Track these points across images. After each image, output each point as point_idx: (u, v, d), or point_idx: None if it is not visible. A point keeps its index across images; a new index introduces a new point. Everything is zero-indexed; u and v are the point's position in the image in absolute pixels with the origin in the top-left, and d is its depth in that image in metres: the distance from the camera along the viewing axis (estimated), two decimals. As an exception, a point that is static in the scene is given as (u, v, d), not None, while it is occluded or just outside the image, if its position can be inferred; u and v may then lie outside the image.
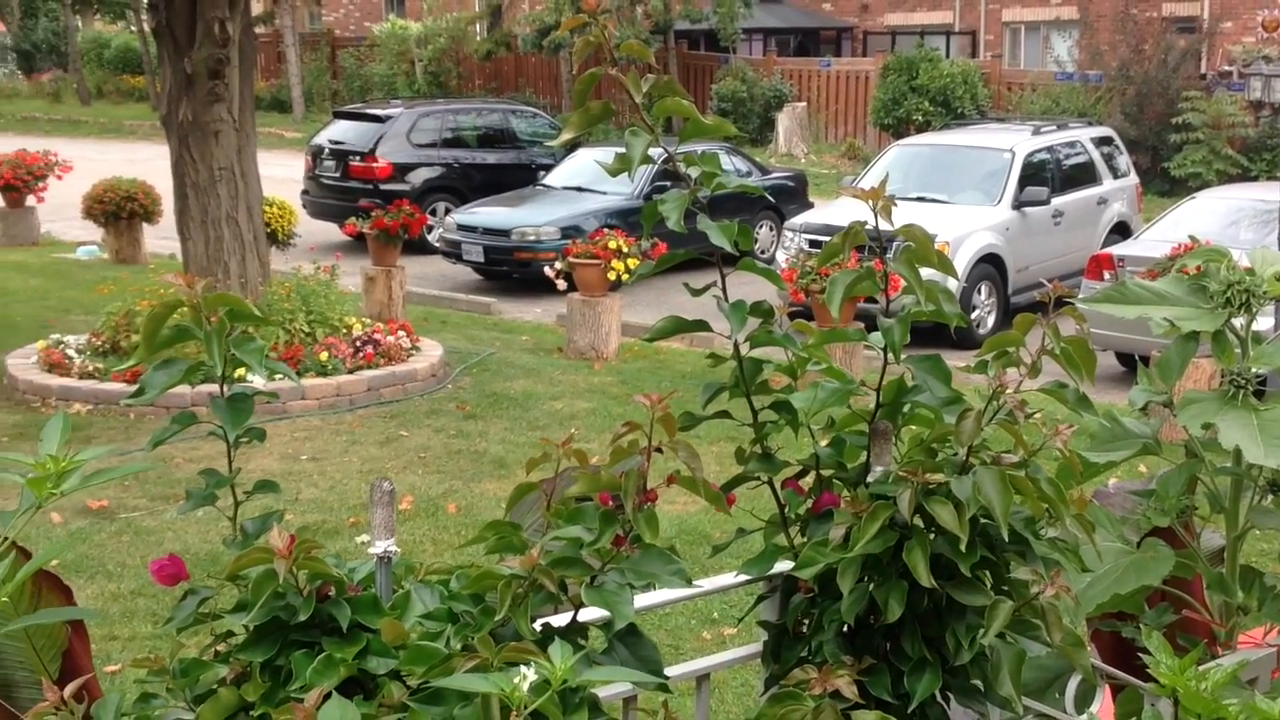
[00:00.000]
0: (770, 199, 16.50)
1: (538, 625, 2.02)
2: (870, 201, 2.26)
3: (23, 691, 2.14)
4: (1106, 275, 11.17)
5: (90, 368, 9.63)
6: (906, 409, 2.39)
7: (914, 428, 2.42)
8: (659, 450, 2.07)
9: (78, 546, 6.57)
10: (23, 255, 16.52)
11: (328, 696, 1.72)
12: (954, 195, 13.73)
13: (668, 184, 14.96)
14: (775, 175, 18.10)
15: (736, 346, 2.38)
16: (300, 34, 36.87)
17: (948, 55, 28.49)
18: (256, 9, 31.73)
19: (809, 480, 2.45)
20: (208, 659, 1.99)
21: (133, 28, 42.81)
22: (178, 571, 2.04)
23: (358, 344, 10.08)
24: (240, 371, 2.13)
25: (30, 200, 17.40)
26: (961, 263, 12.48)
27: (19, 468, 1.78)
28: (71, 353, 9.84)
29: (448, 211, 17.13)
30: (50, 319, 12.19)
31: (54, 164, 17.30)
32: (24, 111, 39.35)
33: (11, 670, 2.15)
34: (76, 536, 6.64)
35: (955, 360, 2.63)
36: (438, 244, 16.30)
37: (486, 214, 15.87)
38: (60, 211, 17.94)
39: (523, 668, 1.60)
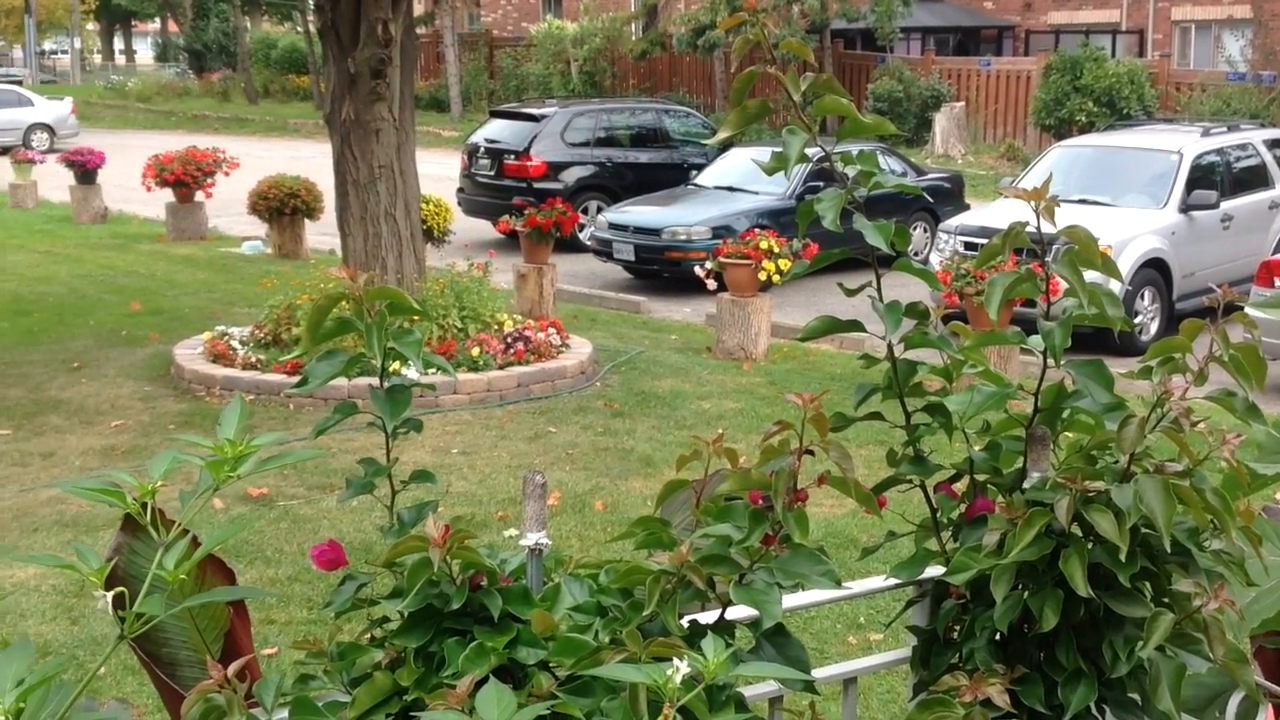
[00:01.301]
0: (926, 200, 16.28)
1: (685, 622, 2.02)
2: (1032, 202, 2.22)
3: (185, 670, 2.21)
4: (1277, 282, 10.76)
5: (252, 359, 9.92)
6: (1066, 414, 2.34)
7: (1073, 434, 2.37)
8: (809, 452, 2.06)
9: (239, 532, 6.78)
10: (191, 249, 17.10)
11: (480, 684, 1.74)
12: (1118, 198, 13.37)
13: (821, 184, 14.87)
14: (931, 176, 17.84)
15: (891, 348, 2.36)
16: (459, 34, 37.51)
17: (1113, 54, 27.77)
18: (418, 10, 32.37)
19: (962, 484, 2.41)
20: (364, 643, 2.04)
21: (299, 29, 44.04)
22: (337, 557, 2.09)
23: (509, 340, 10.21)
24: (394, 365, 2.17)
25: (199, 196, 18.00)
26: (1125, 267, 12.15)
27: (199, 451, 1.84)
28: (235, 344, 10.16)
29: (599, 210, 17.25)
30: (216, 311, 12.60)
31: (222, 161, 17.87)
32: (194, 110, 40.77)
33: (176, 649, 2.23)
34: (238, 523, 6.85)
35: (1116, 367, 2.56)
36: (589, 242, 16.43)
37: (638, 213, 15.94)
38: (227, 207, 18.53)
39: (675, 660, 1.61)
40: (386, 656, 1.99)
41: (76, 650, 5.44)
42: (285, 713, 1.87)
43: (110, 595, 1.61)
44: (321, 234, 16.68)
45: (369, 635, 2.07)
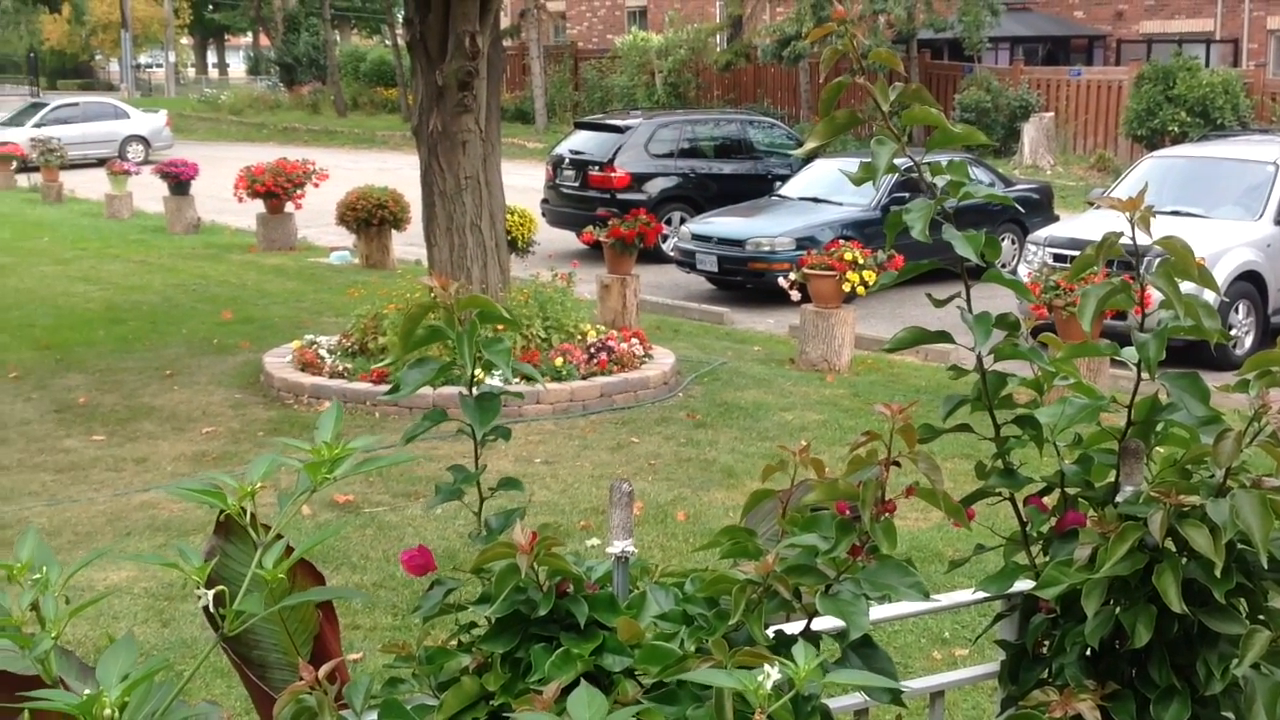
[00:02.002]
0: (1014, 211, 16.10)
1: (770, 632, 2.02)
2: (1127, 213, 2.19)
3: (275, 673, 2.25)
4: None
5: (340, 367, 10.05)
6: (1159, 428, 2.31)
7: (1167, 448, 2.33)
8: (896, 463, 2.04)
9: (332, 536, 6.86)
10: (281, 259, 17.37)
11: (566, 690, 1.75)
12: (1211, 209, 13.14)
13: (906, 195, 14.75)
14: (1019, 187, 17.65)
15: (980, 359, 2.34)
16: (545, 47, 37.78)
17: (1207, 64, 27.30)
18: (504, 23, 32.67)
19: (1052, 498, 2.38)
20: (451, 648, 2.06)
21: (387, 42, 44.64)
22: (426, 562, 2.11)
23: (592, 350, 10.25)
24: (479, 374, 2.19)
25: (289, 207, 18.29)
26: (1219, 279, 11.93)
27: (296, 454, 1.87)
28: (323, 352, 10.30)
29: (683, 221, 17.27)
30: (304, 320, 12.79)
31: (311, 173, 18.14)
32: (285, 122, 41.43)
33: (266, 652, 2.26)
34: (331, 527, 6.94)
35: (1210, 380, 2.52)
36: (672, 253, 16.44)
37: (721, 224, 15.93)
38: (316, 218, 18.80)
39: (766, 667, 1.61)
40: (474, 661, 2.00)
41: (167, 652, 5.54)
42: (374, 715, 1.90)
43: (212, 593, 1.64)
44: (408, 244, 16.86)
45: (456, 640, 2.09)
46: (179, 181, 20.05)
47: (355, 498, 7.62)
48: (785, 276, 12.08)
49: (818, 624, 2.05)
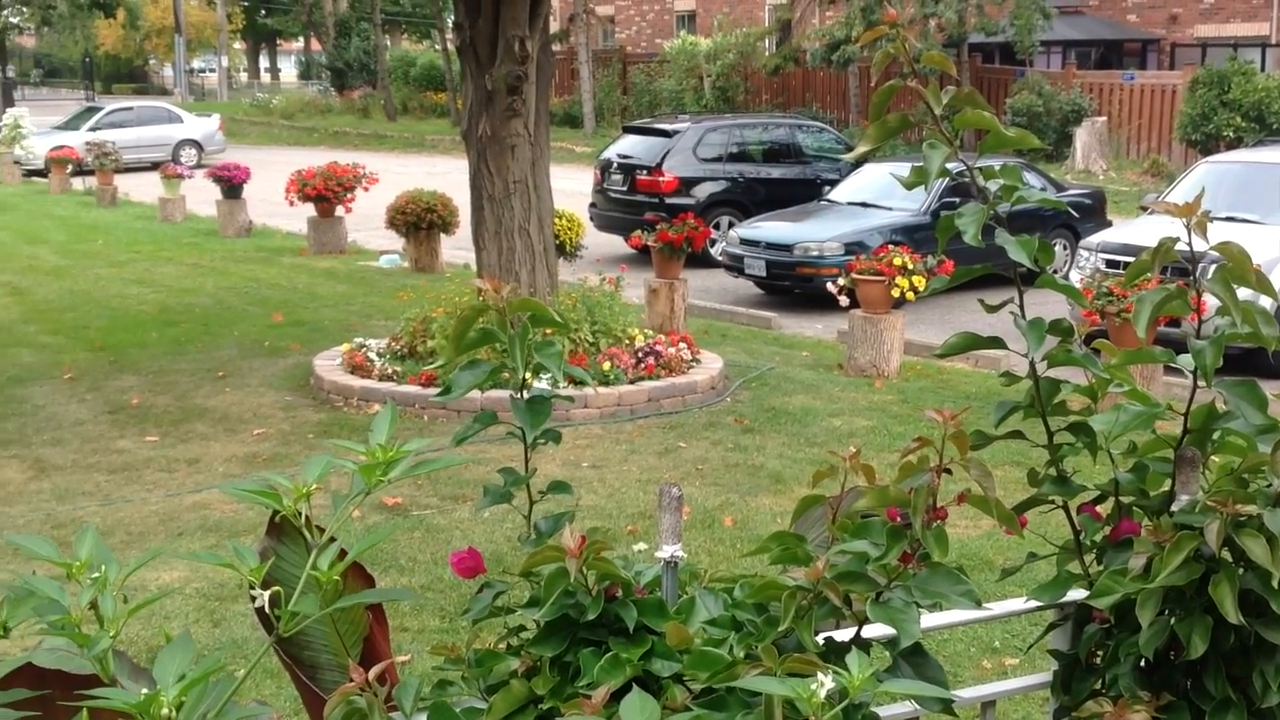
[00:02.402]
0: (1067, 215, 15.97)
1: (820, 639, 2.00)
2: (1183, 218, 2.16)
3: (326, 674, 2.26)
4: None
5: (389, 370, 10.11)
6: (1216, 436, 2.28)
7: (1223, 456, 2.30)
8: (947, 470, 2.03)
9: (384, 539, 6.90)
10: (331, 262, 17.50)
11: (617, 694, 1.75)
12: (1267, 215, 12.97)
13: (956, 200, 14.67)
14: (1071, 192, 17.50)
15: (1033, 365, 2.32)
16: (594, 51, 37.86)
17: (1263, 68, 26.97)
18: (553, 28, 32.76)
19: (1106, 506, 2.36)
20: (500, 651, 2.06)
21: (437, 46, 44.86)
22: (476, 565, 2.12)
23: (639, 355, 10.25)
24: (528, 377, 2.19)
25: (339, 211, 18.41)
26: (1276, 285, 11.76)
27: (351, 456, 1.88)
28: (372, 356, 10.35)
29: (731, 226, 17.25)
30: (354, 323, 12.87)
31: (362, 177, 18.26)
32: (336, 126, 41.74)
33: (317, 653, 2.28)
34: (383, 529, 6.98)
35: (1268, 388, 2.48)
36: (720, 258, 16.42)
37: (770, 229, 15.90)
38: (366, 221, 18.92)
39: (820, 675, 1.60)
40: (522, 665, 2.01)
41: (218, 652, 5.58)
42: (424, 717, 1.90)
43: (268, 594, 1.65)
44: (457, 248, 16.94)
45: (505, 643, 2.10)
46: (231, 185, 20.24)
47: (404, 500, 7.66)
48: (834, 281, 12.03)
49: (868, 631, 2.04)
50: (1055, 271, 15.31)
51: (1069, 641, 2.33)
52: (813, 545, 2.18)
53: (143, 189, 25.45)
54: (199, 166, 27.27)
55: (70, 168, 26.68)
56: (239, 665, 5.32)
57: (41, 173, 28.24)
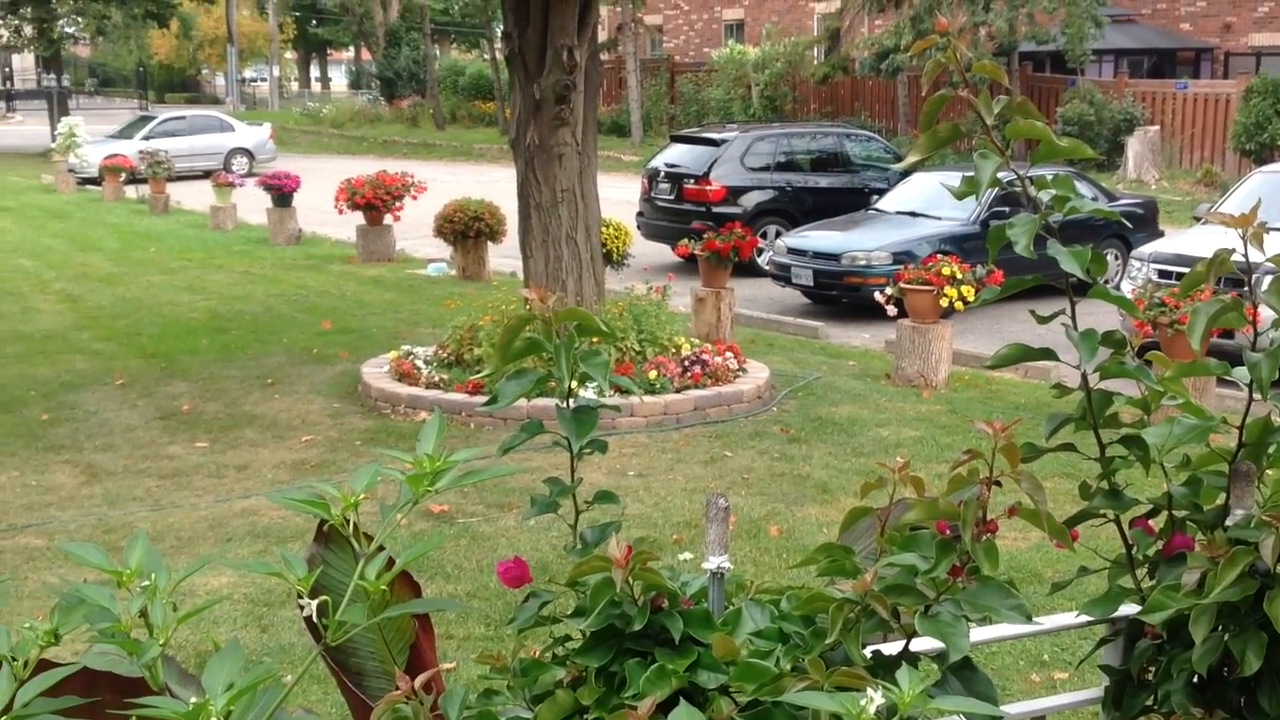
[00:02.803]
0: (1120, 225, 15.82)
1: (867, 652, 1.99)
2: (1239, 229, 2.13)
3: (372, 681, 2.26)
4: None
5: (436, 378, 10.14)
6: (1271, 450, 2.24)
7: (1277, 470, 2.27)
8: (997, 483, 2.01)
9: (433, 548, 6.91)
10: (379, 270, 17.60)
11: (663, 705, 1.74)
12: (1321, 226, 12.81)
13: (1006, 210, 14.57)
14: (1123, 202, 17.34)
15: (1085, 377, 2.29)
16: (641, 60, 37.92)
17: (1318, 77, 26.64)
18: (601, 37, 32.82)
19: (1159, 520, 2.33)
20: (546, 661, 2.06)
21: (486, 56, 45.08)
22: (522, 574, 2.11)
23: (686, 364, 10.24)
24: (574, 386, 2.19)
25: (388, 219, 18.52)
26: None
27: (398, 465, 1.89)
28: (419, 363, 10.40)
29: (778, 235, 17.21)
30: (401, 331, 12.94)
31: (410, 185, 18.36)
32: (385, 135, 42.02)
33: (364, 660, 2.28)
34: (432, 538, 7.00)
35: (1327, 400, 2.44)
36: (767, 267, 16.38)
37: (817, 238, 15.85)
38: (414, 230, 19.02)
39: (869, 691, 1.58)
40: (568, 675, 2.00)
41: (265, 658, 5.62)
42: (469, 726, 1.90)
43: (315, 603, 1.65)
44: (504, 256, 16.99)
45: (551, 653, 2.09)
46: (281, 194, 20.42)
47: (450, 508, 7.68)
48: (881, 291, 11.98)
49: (916, 645, 2.02)
50: (1107, 282, 15.18)
51: (1120, 657, 2.30)
52: (861, 557, 2.16)
53: (194, 197, 25.72)
54: (250, 175, 27.52)
55: (124, 176, 27.00)
56: (286, 671, 5.35)
57: (96, 181, 28.59)
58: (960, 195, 2.28)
